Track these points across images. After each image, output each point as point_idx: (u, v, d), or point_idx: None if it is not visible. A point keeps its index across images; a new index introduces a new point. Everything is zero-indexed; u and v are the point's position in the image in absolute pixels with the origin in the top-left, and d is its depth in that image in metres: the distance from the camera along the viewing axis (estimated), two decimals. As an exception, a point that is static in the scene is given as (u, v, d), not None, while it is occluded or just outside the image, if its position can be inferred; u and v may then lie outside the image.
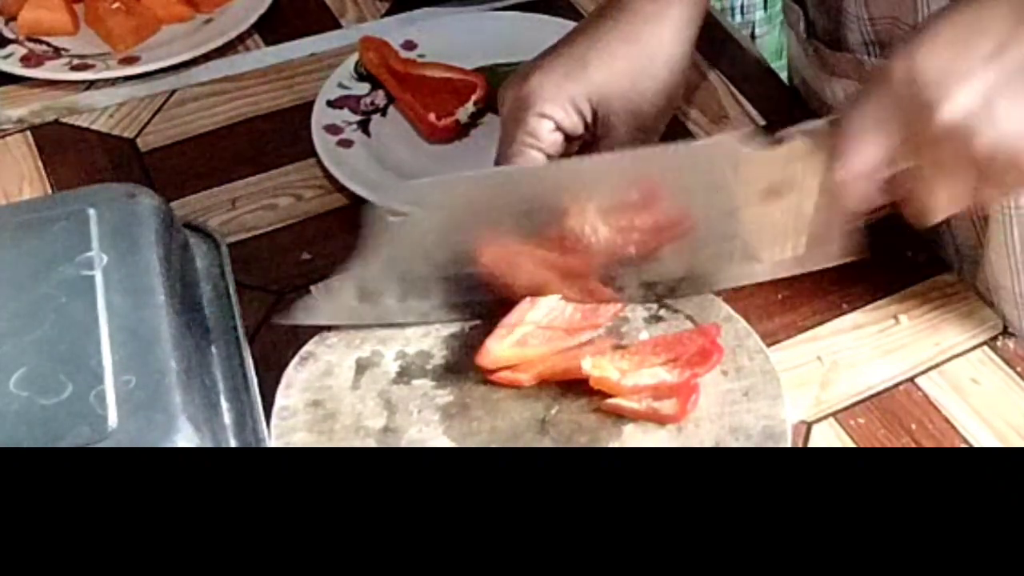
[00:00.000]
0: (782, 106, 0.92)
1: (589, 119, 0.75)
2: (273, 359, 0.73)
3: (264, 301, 0.79)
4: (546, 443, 0.68)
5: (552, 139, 0.74)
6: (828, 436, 0.70)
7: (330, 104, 0.92)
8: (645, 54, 0.75)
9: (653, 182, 0.69)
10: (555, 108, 0.73)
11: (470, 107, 0.91)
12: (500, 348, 0.69)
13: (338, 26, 1.03)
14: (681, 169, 0.69)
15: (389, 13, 1.04)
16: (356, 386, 0.71)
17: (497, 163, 0.75)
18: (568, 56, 0.75)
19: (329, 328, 0.74)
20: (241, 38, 1.01)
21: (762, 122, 0.91)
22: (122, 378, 0.60)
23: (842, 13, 0.82)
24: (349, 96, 0.93)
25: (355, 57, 0.96)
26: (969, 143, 0.60)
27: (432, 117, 0.90)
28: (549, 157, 0.74)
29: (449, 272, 0.72)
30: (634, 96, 0.74)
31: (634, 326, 0.72)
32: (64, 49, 1.01)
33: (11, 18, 1.03)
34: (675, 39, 0.76)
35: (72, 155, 0.91)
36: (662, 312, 0.73)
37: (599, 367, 0.68)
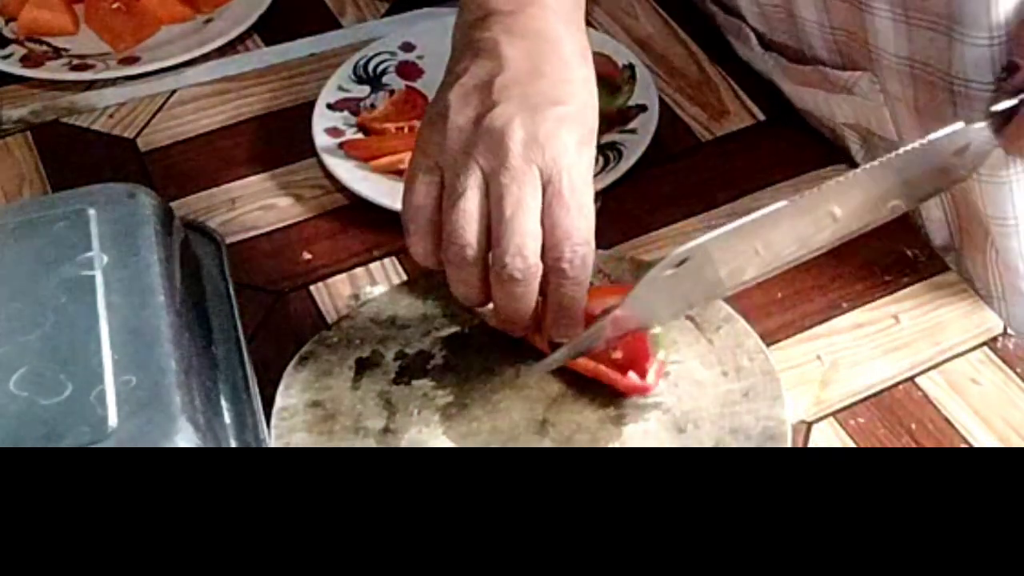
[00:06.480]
0: (783, 101, 0.92)
1: None
2: (273, 359, 0.73)
3: (264, 301, 0.79)
4: (546, 443, 0.68)
5: None
6: (828, 436, 0.70)
7: (330, 107, 0.92)
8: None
9: None
10: None
11: None
12: None
13: (338, 26, 1.03)
14: None
15: (389, 13, 1.04)
16: (356, 386, 0.71)
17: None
18: None
19: (329, 328, 0.75)
20: (241, 38, 1.01)
21: (762, 117, 0.91)
22: (122, 378, 0.60)
23: (796, 21, 0.81)
24: (349, 99, 0.93)
25: (354, 59, 0.96)
26: None
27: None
28: None
29: None
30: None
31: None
32: (64, 49, 1.01)
33: (11, 18, 1.03)
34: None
35: (72, 155, 0.91)
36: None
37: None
